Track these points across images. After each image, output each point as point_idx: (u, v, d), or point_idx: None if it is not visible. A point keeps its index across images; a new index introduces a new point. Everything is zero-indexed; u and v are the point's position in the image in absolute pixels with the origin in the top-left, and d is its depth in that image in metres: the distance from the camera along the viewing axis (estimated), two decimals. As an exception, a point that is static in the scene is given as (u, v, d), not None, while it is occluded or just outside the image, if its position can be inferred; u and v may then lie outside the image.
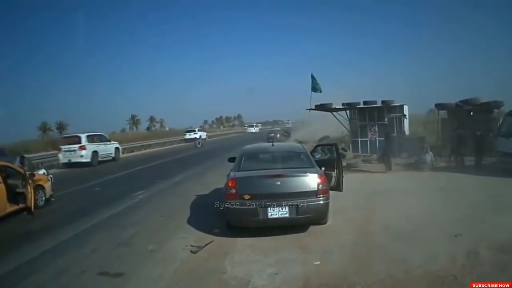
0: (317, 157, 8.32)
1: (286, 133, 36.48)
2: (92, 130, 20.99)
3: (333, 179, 7.32)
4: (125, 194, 10.40)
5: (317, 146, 9.13)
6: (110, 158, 20.62)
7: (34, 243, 6.35)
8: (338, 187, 7.37)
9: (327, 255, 5.06)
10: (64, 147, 18.80)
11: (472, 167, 11.71)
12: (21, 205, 8.41)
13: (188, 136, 39.94)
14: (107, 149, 20.40)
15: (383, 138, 14.27)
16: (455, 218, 6.36)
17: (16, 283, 4.79)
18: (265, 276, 4.49)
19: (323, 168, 6.94)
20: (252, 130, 59.22)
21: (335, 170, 7.38)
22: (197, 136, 38.46)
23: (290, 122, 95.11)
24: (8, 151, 14.43)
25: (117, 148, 21.63)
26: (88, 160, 18.56)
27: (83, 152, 18.38)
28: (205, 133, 44.57)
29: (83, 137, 18.94)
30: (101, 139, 20.53)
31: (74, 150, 18.35)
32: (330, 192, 6.22)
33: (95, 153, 18.99)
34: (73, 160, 18.41)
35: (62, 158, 18.69)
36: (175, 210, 8.25)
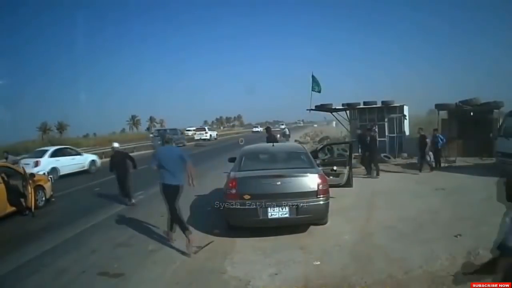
0: (325, 157, 8.39)
1: (286, 134, 34.83)
2: (93, 130, 34.11)
3: (345, 176, 7.46)
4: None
5: (328, 145, 9.15)
6: (214, 139, 41.07)
7: (34, 243, 6.35)
8: (348, 183, 7.61)
9: (327, 255, 5.06)
10: (197, 133, 40.50)
11: (472, 167, 11.67)
12: (21, 206, 8.41)
13: (254, 129, 64.00)
14: (213, 134, 42.40)
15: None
16: (455, 218, 6.36)
17: (16, 283, 4.79)
18: (265, 276, 4.49)
19: (335, 167, 7.05)
20: (283, 126, 69.61)
21: (347, 168, 7.58)
22: (259, 130, 59.89)
23: (301, 121, 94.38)
24: (9, 151, 14.57)
25: (216, 133, 44.52)
26: (209, 138, 39.33)
27: (207, 134, 39.64)
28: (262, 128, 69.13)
29: (206, 127, 44.32)
30: (210, 129, 45.08)
31: (202, 134, 39.77)
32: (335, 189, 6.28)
33: (211, 135, 40.57)
34: (202, 138, 38.50)
35: (196, 137, 38.78)
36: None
